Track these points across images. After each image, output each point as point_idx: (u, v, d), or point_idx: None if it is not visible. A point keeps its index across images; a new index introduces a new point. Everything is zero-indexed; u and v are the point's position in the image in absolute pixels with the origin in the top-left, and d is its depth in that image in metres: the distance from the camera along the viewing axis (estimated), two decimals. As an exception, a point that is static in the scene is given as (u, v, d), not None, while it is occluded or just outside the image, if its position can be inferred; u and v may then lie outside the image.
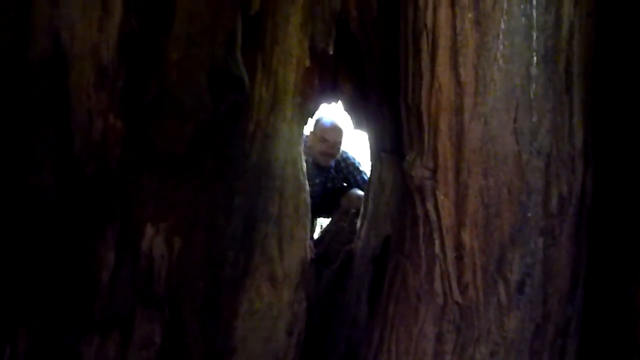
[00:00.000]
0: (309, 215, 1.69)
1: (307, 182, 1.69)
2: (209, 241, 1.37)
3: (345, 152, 2.88)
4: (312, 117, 1.84)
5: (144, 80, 1.25)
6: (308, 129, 2.69)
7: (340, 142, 2.67)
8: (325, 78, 1.81)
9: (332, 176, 2.89)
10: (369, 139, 1.84)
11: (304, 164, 1.68)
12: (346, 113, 1.98)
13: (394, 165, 1.61)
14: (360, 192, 2.64)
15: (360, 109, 1.86)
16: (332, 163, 2.81)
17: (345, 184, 2.94)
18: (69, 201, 1.22)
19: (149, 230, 1.31)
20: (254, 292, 1.43)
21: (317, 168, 2.77)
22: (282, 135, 1.48)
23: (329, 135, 2.61)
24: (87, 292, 1.26)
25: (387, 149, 1.68)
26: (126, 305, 1.29)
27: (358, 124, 1.92)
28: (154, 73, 1.26)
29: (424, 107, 1.15)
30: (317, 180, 2.81)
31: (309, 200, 1.71)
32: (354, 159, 2.91)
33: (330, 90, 1.86)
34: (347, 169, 2.88)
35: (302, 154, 1.67)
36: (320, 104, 1.90)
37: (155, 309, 1.32)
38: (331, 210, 2.70)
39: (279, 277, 1.48)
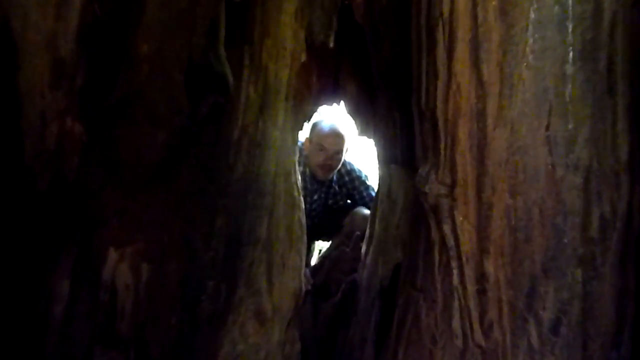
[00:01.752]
0: (305, 238, 1.69)
1: (302, 199, 1.70)
2: (184, 269, 1.37)
3: (348, 164, 2.90)
4: (308, 122, 1.85)
5: (108, 78, 1.26)
6: (304, 135, 2.74)
7: (342, 152, 2.69)
8: (325, 76, 1.83)
9: (333, 192, 2.91)
10: (377, 148, 1.85)
11: (299, 178, 1.69)
12: (349, 117, 1.99)
13: (406, 180, 1.62)
14: (366, 212, 2.66)
15: (366, 113, 1.87)
16: (333, 176, 2.83)
17: (348, 202, 2.96)
18: (16, 220, 1.22)
19: (112, 255, 1.30)
20: (238, 331, 1.42)
21: (315, 182, 2.79)
22: (273, 143, 1.49)
23: (329, 143, 2.63)
24: (36, 330, 1.25)
25: (398, 160, 1.69)
26: (83, 346, 1.28)
27: (364, 130, 1.93)
28: (121, 69, 1.26)
29: (439, 112, 1.16)
30: (315, 197, 2.83)
31: (304, 220, 1.71)
32: (360, 171, 2.93)
33: (330, 90, 1.87)
34: (351, 183, 2.89)
35: (297, 165, 1.68)
36: (319, 106, 1.92)
37: (118, 350, 1.31)
38: (331, 233, 2.71)
39: (267, 313, 1.47)
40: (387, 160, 1.76)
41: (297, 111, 1.60)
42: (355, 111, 1.92)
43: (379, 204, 1.80)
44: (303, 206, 1.74)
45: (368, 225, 1.91)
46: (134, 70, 1.28)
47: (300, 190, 1.68)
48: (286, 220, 1.57)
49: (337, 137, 2.64)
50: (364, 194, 2.88)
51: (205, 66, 1.32)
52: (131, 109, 1.29)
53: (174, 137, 1.32)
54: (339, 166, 2.76)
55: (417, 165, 1.30)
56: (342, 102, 1.98)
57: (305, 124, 1.79)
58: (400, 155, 1.66)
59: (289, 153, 1.58)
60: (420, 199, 1.24)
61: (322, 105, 1.95)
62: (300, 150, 2.77)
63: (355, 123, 1.97)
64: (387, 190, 1.73)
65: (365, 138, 1.96)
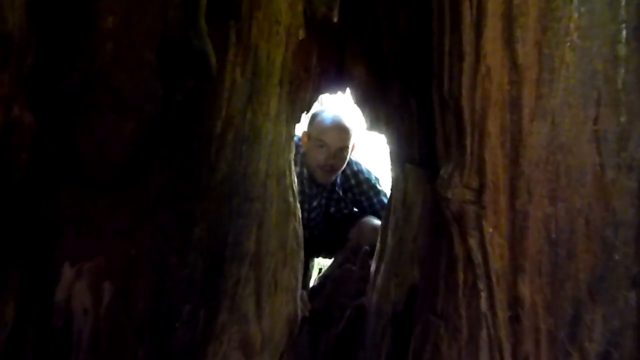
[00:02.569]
0: (302, 253, 1.70)
1: (299, 205, 1.71)
2: (155, 290, 1.37)
3: (355, 163, 2.92)
4: (307, 113, 1.87)
5: (64, 58, 1.26)
6: (301, 129, 2.76)
7: (347, 149, 2.71)
8: (328, 57, 1.84)
9: (337, 198, 2.92)
10: (390, 144, 1.87)
11: (295, 180, 1.70)
12: (357, 107, 2.00)
13: (424, 183, 1.63)
14: (377, 222, 2.68)
15: (377, 102, 1.89)
16: (337, 179, 2.84)
17: (355, 210, 2.97)
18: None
19: (68, 272, 1.31)
20: (219, 365, 1.43)
21: (315, 186, 2.81)
22: (264, 138, 1.50)
23: (331, 139, 2.65)
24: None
25: (415, 160, 1.70)
26: (30, 382, 1.28)
27: (374, 123, 1.94)
28: (80, 47, 1.27)
29: (465, 100, 1.16)
30: (315, 204, 2.84)
31: (301, 232, 1.72)
32: (369, 172, 2.95)
33: (334, 75, 1.89)
34: (358, 187, 2.91)
35: (293, 165, 1.69)
36: (320, 93, 1.93)
37: (74, 388, 1.31)
38: (334, 247, 2.73)
39: (255, 343, 1.48)
40: (401, 159, 1.77)
41: (294, 99, 1.61)
42: (364, 100, 1.93)
43: (391, 213, 1.80)
44: (300, 214, 1.75)
45: (378, 239, 1.92)
46: (96, 48, 1.29)
47: (296, 195, 1.69)
48: (279, 231, 1.58)
49: (341, 132, 2.66)
50: (374, 200, 2.90)
51: (182, 43, 1.33)
52: (92, 95, 1.29)
53: (144, 129, 1.33)
54: (344, 166, 2.77)
55: (439, 166, 1.31)
56: (347, 89, 1.99)
57: (303, 115, 1.80)
58: (417, 153, 1.67)
59: (283, 150, 1.59)
60: (442, 206, 1.24)
61: (323, 92, 1.97)
62: (297, 146, 2.78)
63: (364, 114, 1.99)
64: (401, 195, 1.74)
65: (375, 133, 1.97)
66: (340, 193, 2.93)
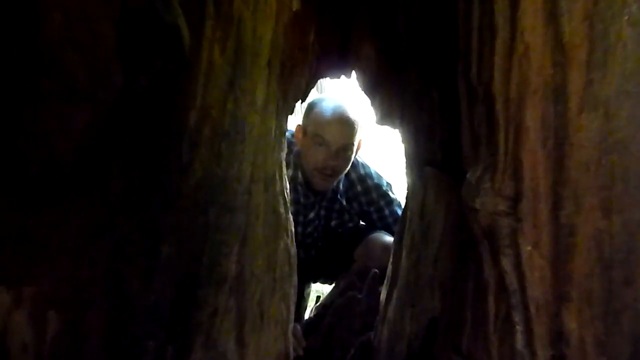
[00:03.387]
0: (295, 278, 1.70)
1: (292, 218, 1.71)
2: (112, 321, 1.37)
3: (362, 166, 2.92)
4: (303, 102, 1.87)
5: (1, 34, 1.26)
6: (295, 122, 2.76)
7: (352, 148, 2.71)
8: (329, 33, 1.85)
9: (339, 208, 2.93)
10: (405, 142, 1.86)
11: (287, 186, 1.69)
12: (364, 95, 2.00)
13: (447, 190, 1.63)
14: (388, 238, 2.68)
15: (390, 89, 1.89)
16: (339, 185, 2.84)
17: (361, 222, 2.97)
18: None
19: (4, 299, 1.30)
20: (191, 417, 1.42)
21: (312, 193, 2.81)
22: (249, 134, 1.50)
23: (332, 134, 2.65)
24: None
25: (436, 161, 1.70)
26: None
27: (386, 115, 1.95)
28: (21, 20, 1.26)
29: (497, 87, 1.17)
30: (312, 215, 2.85)
31: (294, 250, 1.72)
32: (379, 177, 2.95)
33: (337, 55, 1.89)
34: (366, 195, 2.92)
35: (285, 167, 1.69)
36: (319, 79, 1.93)
37: None
38: (336, 270, 2.74)
39: (236, 389, 1.48)
40: (419, 160, 1.77)
41: (286, 85, 1.62)
42: (374, 86, 1.94)
43: (407, 228, 1.81)
44: (292, 229, 1.74)
45: (390, 260, 1.92)
46: (41, 22, 1.29)
47: (288, 206, 1.69)
48: (267, 250, 1.58)
49: (344, 126, 2.66)
50: (385, 211, 2.90)
51: (147, 15, 1.32)
52: (36, 79, 1.29)
53: (99, 121, 1.32)
54: (347, 170, 2.77)
55: (465, 168, 1.31)
56: (353, 73, 1.99)
57: (298, 104, 1.80)
58: (439, 153, 1.67)
59: (273, 148, 1.60)
60: (469, 219, 1.24)
61: (323, 77, 1.97)
62: (290, 144, 2.78)
63: (373, 104, 1.99)
64: (419, 206, 1.74)
65: (387, 127, 1.97)
66: (344, 202, 2.93)
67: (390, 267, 1.91)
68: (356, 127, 2.68)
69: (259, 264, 1.56)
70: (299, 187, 2.77)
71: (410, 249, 1.76)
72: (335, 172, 2.72)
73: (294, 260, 1.74)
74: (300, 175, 2.77)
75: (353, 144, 2.70)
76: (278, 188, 1.64)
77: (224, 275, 1.47)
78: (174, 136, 1.41)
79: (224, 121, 1.45)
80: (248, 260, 1.52)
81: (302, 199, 2.79)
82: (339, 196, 2.91)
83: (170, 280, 1.40)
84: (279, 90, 1.59)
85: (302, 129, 2.75)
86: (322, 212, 2.91)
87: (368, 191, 2.91)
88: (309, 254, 2.88)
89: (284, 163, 1.70)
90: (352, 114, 2.68)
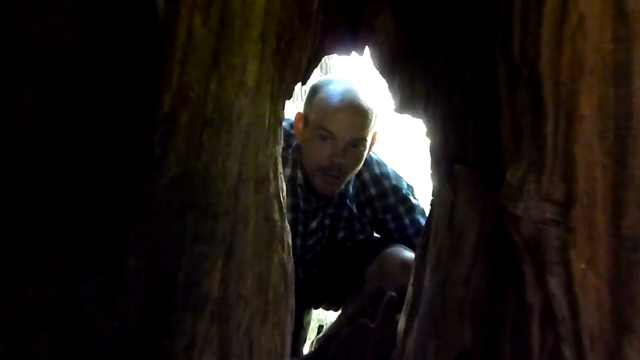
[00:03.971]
0: (292, 300, 1.70)
1: (289, 227, 1.71)
2: (65, 351, 1.37)
3: (378, 164, 2.92)
4: (304, 84, 1.87)
5: None
6: (294, 109, 2.74)
7: (365, 142, 2.70)
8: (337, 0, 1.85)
9: (348, 215, 2.92)
10: (430, 134, 1.87)
11: (284, 187, 1.70)
12: (380, 76, 2.01)
13: (482, 194, 1.63)
14: (408, 254, 2.67)
15: (411, 69, 1.89)
16: (348, 187, 2.83)
17: (374, 233, 2.96)
18: None
19: None
20: None
21: (315, 197, 2.80)
22: (236, 122, 1.51)
23: (340, 125, 2.64)
24: None
25: (468, 157, 1.71)
26: None
27: (406, 101, 1.95)
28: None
29: (545, 66, 1.17)
30: (314, 225, 2.85)
31: (292, 267, 1.72)
32: (398, 177, 2.95)
33: (346, 27, 1.89)
34: (382, 199, 2.91)
35: (281, 163, 1.69)
36: (324, 55, 1.93)
37: None
38: (343, 293, 2.73)
39: None
40: (448, 156, 1.77)
41: (283, 63, 1.62)
42: (392, 66, 1.94)
43: (431, 240, 1.81)
44: (290, 240, 1.75)
45: (411, 280, 1.92)
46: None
47: (285, 212, 1.69)
48: (258, 266, 1.58)
49: (356, 114, 2.64)
50: (405, 220, 2.90)
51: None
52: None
53: (52, 104, 1.33)
54: (358, 169, 2.76)
55: (504, 166, 1.31)
56: (366, 50, 2.00)
57: (298, 88, 1.80)
58: (472, 147, 1.68)
59: (266, 140, 1.60)
60: (509, 229, 1.25)
61: (329, 53, 1.97)
62: (289, 136, 2.77)
63: (391, 88, 1.99)
64: (447, 213, 1.74)
65: (407, 115, 1.98)
66: (354, 209, 2.92)
67: (410, 289, 1.91)
68: (370, 116, 2.66)
69: (248, 284, 1.56)
70: (299, 190, 2.76)
71: (436, 266, 1.76)
72: (343, 173, 2.70)
73: (291, 280, 1.74)
74: (300, 175, 2.76)
75: (366, 139, 2.68)
76: (272, 189, 1.64)
77: (204, 296, 1.47)
78: (144, 124, 1.41)
79: (206, 106, 1.45)
80: (234, 279, 1.52)
81: (302, 205, 2.78)
82: (347, 201, 2.89)
83: (138, 302, 1.41)
84: (275, 69, 1.59)
85: (303, 118, 2.73)
86: (327, 221, 2.90)
87: (384, 195, 2.89)
88: (310, 273, 2.88)
89: (279, 159, 1.70)
90: (365, 101, 2.66)
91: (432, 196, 1.89)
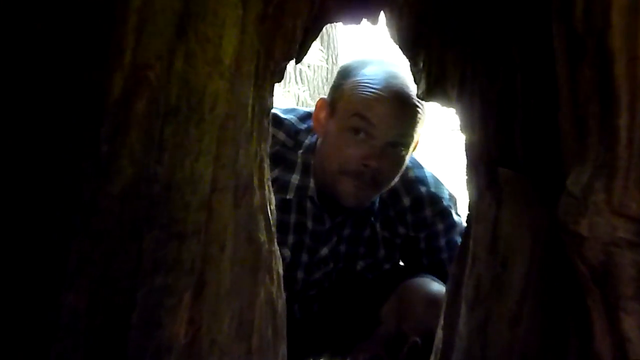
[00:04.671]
0: (283, 348, 1.70)
1: (278, 250, 1.71)
2: None
3: (413, 165, 2.87)
4: (298, 61, 1.87)
5: None
6: (287, 94, 2.73)
7: (410, 144, 2.65)
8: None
9: (369, 237, 2.88)
10: (466, 127, 1.87)
11: (272, 198, 1.70)
12: (400, 51, 2.01)
13: (535, 206, 1.62)
14: (437, 286, 2.66)
15: (441, 43, 1.89)
16: (375, 200, 2.80)
17: (398, 258, 2.95)
18: None
19: None
20: None
21: (329, 214, 2.78)
22: (208, 111, 1.50)
23: (381, 117, 2.60)
24: None
25: (516, 158, 1.71)
26: None
27: (435, 85, 1.94)
28: None
29: (615, 38, 1.16)
30: (325, 251, 2.82)
31: (283, 303, 1.72)
32: (438, 184, 2.91)
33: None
34: (417, 210, 2.88)
35: (268, 166, 1.69)
36: (326, 24, 1.93)
37: None
38: (351, 337, 2.72)
39: None
40: (489, 157, 1.77)
41: (271, 34, 1.62)
42: (415, 39, 1.94)
43: (468, 268, 1.81)
44: (280, 269, 1.75)
45: (441, 321, 1.92)
46: None
47: (273, 230, 1.69)
48: (237, 302, 1.58)
49: (404, 108, 2.60)
50: (440, 240, 2.88)
51: None
52: None
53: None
54: (396, 180, 2.72)
55: (564, 170, 1.31)
56: (381, 17, 2.00)
57: (291, 66, 1.80)
58: (521, 144, 1.67)
59: (249, 136, 1.60)
60: (571, 252, 1.24)
61: (332, 22, 1.97)
62: (296, 132, 2.76)
63: (413, 67, 1.99)
64: (489, 232, 1.74)
65: (437, 104, 1.98)
66: (378, 228, 2.88)
67: (440, 333, 1.91)
68: (420, 113, 2.62)
69: (225, 326, 1.56)
70: (308, 205, 2.71)
71: (474, 302, 1.76)
72: (377, 182, 2.64)
73: (282, 321, 1.74)
74: (312, 184, 2.72)
75: (411, 140, 2.66)
76: (257, 201, 1.64)
77: (167, 342, 1.47)
78: (87, 114, 1.41)
79: (169, 90, 1.45)
80: (207, 319, 1.53)
81: (310, 224, 2.74)
82: (372, 220, 2.86)
83: (78, 353, 1.41)
84: (260, 42, 1.59)
85: (329, 105, 2.68)
86: (342, 248, 2.85)
87: (419, 205, 2.82)
88: (309, 312, 2.87)
89: (266, 160, 1.69)
90: (413, 93, 2.63)
91: (469, 209, 1.88)
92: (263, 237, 1.63)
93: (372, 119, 2.55)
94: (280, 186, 2.70)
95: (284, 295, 1.76)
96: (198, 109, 1.48)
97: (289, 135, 2.80)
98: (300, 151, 2.74)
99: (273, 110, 2.55)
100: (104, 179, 1.40)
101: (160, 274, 1.46)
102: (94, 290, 1.40)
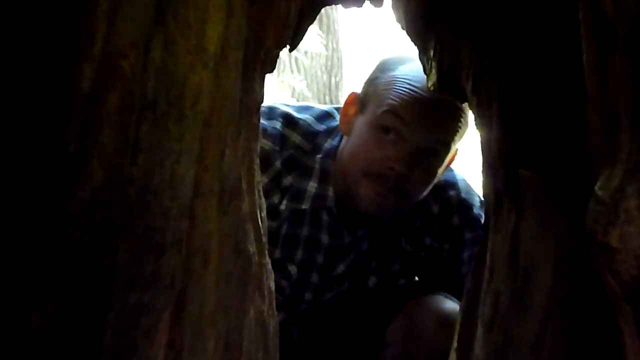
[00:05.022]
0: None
1: (269, 264, 1.71)
2: None
3: (447, 171, 2.84)
4: (292, 48, 1.88)
5: None
6: (281, 84, 2.72)
7: (447, 151, 2.61)
8: None
9: (386, 247, 2.85)
10: (482, 125, 1.88)
11: (263, 203, 1.70)
12: (408, 38, 2.02)
13: (557, 214, 1.63)
14: (450, 305, 2.65)
15: (454, 28, 1.90)
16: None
17: (415, 273, 2.94)
18: None
19: None
20: None
21: (347, 225, 2.77)
22: (192, 105, 1.50)
23: (417, 118, 2.57)
24: None
25: (539, 159, 1.71)
26: None
27: (447, 76, 1.96)
28: None
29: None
30: (342, 268, 2.79)
31: (275, 324, 1.73)
32: (469, 190, 2.88)
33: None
34: (445, 217, 2.85)
35: (258, 168, 1.70)
36: (324, 6, 1.94)
37: None
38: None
39: None
40: (508, 157, 1.77)
41: (262, 18, 1.62)
42: (425, 24, 1.95)
43: (485, 283, 1.81)
44: (272, 285, 1.75)
45: (454, 343, 1.92)
46: None
47: (264, 240, 1.69)
48: (224, 323, 1.58)
49: (443, 109, 2.57)
50: (464, 253, 2.86)
51: None
52: None
53: None
54: (426, 192, 2.69)
55: (594, 173, 1.31)
56: (387, -1, 2.01)
57: (284, 54, 1.81)
58: (544, 144, 1.68)
59: (237, 134, 1.60)
60: (599, 266, 1.25)
61: (331, 4, 1.98)
62: (313, 135, 2.73)
63: (423, 57, 2.00)
64: (507, 242, 1.75)
65: (449, 97, 1.99)
66: (402, 240, 2.85)
67: (453, 357, 1.91)
68: (462, 119, 2.59)
69: (210, 350, 1.56)
70: (325, 216, 2.69)
71: (491, 322, 1.76)
72: (402, 191, 2.59)
73: (275, 343, 1.74)
74: (331, 192, 2.69)
75: (448, 148, 2.63)
76: (245, 208, 1.64)
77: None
78: (53, 110, 1.42)
79: (146, 82, 1.46)
80: (189, 342, 1.53)
81: (326, 238, 2.72)
82: (400, 234, 2.82)
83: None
84: (249, 27, 1.59)
85: (360, 100, 2.67)
86: (360, 262, 2.84)
87: (448, 212, 2.79)
88: (308, 333, 2.87)
89: (256, 161, 1.69)
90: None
91: (486, 217, 1.88)
92: (252, 248, 1.63)
93: (406, 118, 2.52)
94: (294, 194, 2.68)
95: (275, 314, 1.76)
96: (178, 103, 1.48)
97: (306, 137, 2.76)
98: (319, 156, 2.72)
99: (286, 109, 2.55)
100: (73, 183, 1.41)
101: (136, 291, 1.46)
102: (61, 308, 1.41)
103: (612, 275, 1.22)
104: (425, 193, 2.68)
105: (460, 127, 2.59)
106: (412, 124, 2.52)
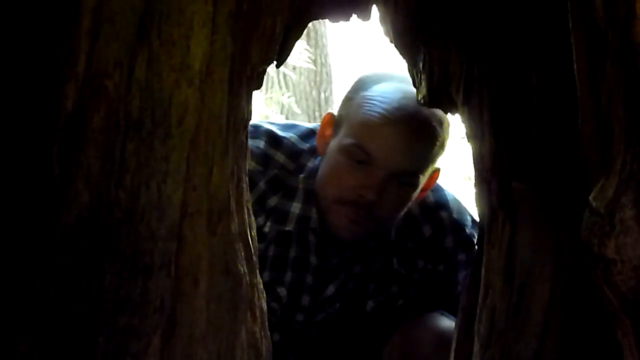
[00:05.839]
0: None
1: (261, 283, 1.71)
2: None
3: (432, 188, 2.83)
4: (280, 64, 1.87)
5: None
6: (269, 100, 2.73)
7: (419, 178, 2.59)
8: None
9: (381, 270, 2.83)
10: (473, 136, 1.88)
11: (253, 221, 1.70)
12: (396, 50, 2.02)
13: (553, 227, 1.63)
14: (444, 324, 2.64)
15: (443, 40, 1.90)
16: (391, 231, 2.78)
17: (412, 293, 2.93)
18: None
19: None
20: None
21: (336, 248, 2.75)
22: (176, 126, 1.50)
23: (382, 145, 2.55)
24: None
25: (533, 171, 1.71)
26: None
27: (437, 89, 1.96)
28: None
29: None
30: (332, 290, 2.77)
31: (267, 346, 1.72)
32: (460, 210, 2.86)
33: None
34: (437, 240, 2.83)
35: (247, 187, 1.69)
36: (311, 20, 1.94)
37: None
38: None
39: None
40: (501, 170, 1.77)
41: (247, 33, 1.62)
42: (413, 35, 1.95)
43: (480, 300, 1.81)
44: (264, 305, 1.74)
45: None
46: None
47: (255, 259, 1.69)
48: (214, 346, 1.58)
49: (412, 135, 2.54)
50: (459, 274, 2.84)
51: None
52: None
53: None
54: (399, 217, 2.67)
55: (589, 182, 1.31)
56: (374, 10, 2.01)
57: (271, 69, 1.81)
58: (537, 156, 1.68)
59: (225, 152, 1.59)
60: (596, 279, 1.25)
61: (318, 18, 1.98)
62: (297, 154, 2.71)
63: (412, 70, 2.00)
64: (502, 257, 1.75)
65: (439, 110, 1.99)
66: (394, 263, 2.83)
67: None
68: (435, 143, 2.55)
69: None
70: (311, 238, 2.68)
71: (488, 339, 1.75)
72: (374, 218, 2.58)
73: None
74: (314, 214, 2.66)
75: (420, 175, 2.60)
76: (235, 227, 1.63)
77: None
78: (37, 131, 1.42)
79: (130, 102, 1.46)
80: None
81: (314, 259, 2.72)
82: (390, 255, 2.80)
83: None
84: (234, 43, 1.59)
85: (335, 122, 2.63)
86: (351, 285, 2.82)
87: (440, 234, 2.77)
88: (303, 354, 2.86)
89: (245, 179, 1.69)
90: (432, 117, 2.57)
91: (480, 231, 1.88)
92: (243, 268, 1.63)
93: (373, 152, 2.47)
94: (279, 216, 2.65)
95: (268, 335, 1.75)
96: (164, 122, 1.48)
97: (289, 156, 2.72)
98: (302, 175, 2.68)
99: (270, 127, 2.54)
100: (58, 206, 1.41)
101: (125, 314, 1.46)
102: (49, 335, 1.41)
103: (609, 287, 1.22)
104: (399, 218, 2.66)
105: (435, 150, 2.55)
106: (381, 156, 2.49)
